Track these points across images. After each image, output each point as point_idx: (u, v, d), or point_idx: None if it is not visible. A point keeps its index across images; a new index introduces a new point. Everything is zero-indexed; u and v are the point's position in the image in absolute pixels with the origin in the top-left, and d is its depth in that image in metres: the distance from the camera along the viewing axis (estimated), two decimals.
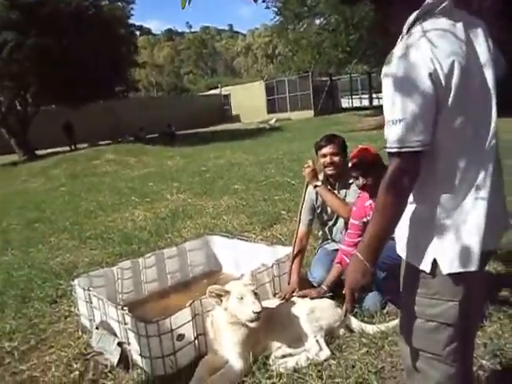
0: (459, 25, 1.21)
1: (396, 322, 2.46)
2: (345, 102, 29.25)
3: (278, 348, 2.32)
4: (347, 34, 14.38)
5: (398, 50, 1.20)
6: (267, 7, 15.28)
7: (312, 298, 2.54)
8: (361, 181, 2.48)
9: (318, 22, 16.73)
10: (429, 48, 1.14)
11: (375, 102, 27.77)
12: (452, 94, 1.14)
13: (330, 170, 2.75)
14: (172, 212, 6.10)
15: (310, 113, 25.48)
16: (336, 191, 2.80)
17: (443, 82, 1.13)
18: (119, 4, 20.52)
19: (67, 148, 19.41)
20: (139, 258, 3.32)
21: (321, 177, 2.79)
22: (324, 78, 26.82)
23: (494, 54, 1.25)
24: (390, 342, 2.32)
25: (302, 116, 24.83)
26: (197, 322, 2.33)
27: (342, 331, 2.46)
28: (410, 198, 1.29)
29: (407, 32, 1.25)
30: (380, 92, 27.79)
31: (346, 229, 2.86)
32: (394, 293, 2.60)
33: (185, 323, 2.27)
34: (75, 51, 16.27)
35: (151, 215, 6.11)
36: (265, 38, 58.14)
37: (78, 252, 4.74)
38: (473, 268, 1.20)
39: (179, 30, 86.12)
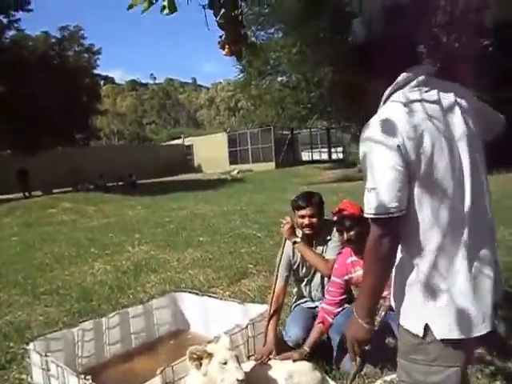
0: (433, 97, 1.27)
1: None
2: (305, 155, 30.08)
3: None
4: (308, 91, 15.10)
5: (372, 121, 1.26)
6: (239, 63, 15.85)
7: (294, 361, 2.42)
8: (345, 236, 2.48)
9: (280, 79, 17.58)
10: (399, 121, 1.20)
11: (334, 156, 28.81)
12: (423, 164, 1.19)
13: (307, 231, 2.74)
14: (134, 265, 5.84)
15: (272, 165, 25.98)
16: (313, 247, 2.77)
17: (412, 153, 1.18)
18: (85, 55, 20.73)
19: (21, 195, 18.60)
20: (102, 317, 3.11)
21: (299, 233, 2.77)
22: (285, 132, 27.67)
23: (488, 116, 1.35)
24: None
25: (264, 168, 25.27)
26: None
27: None
28: (401, 262, 1.29)
29: (383, 103, 1.32)
30: (338, 146, 29.10)
31: (323, 286, 2.82)
32: (373, 353, 2.55)
33: None
34: (37, 98, 16.09)
35: (112, 268, 5.82)
36: (228, 92, 59.99)
37: (31, 309, 4.39)
38: (472, 334, 1.19)
39: (143, 81, 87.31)
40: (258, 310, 2.93)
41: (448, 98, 1.29)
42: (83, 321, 3.08)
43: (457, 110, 1.28)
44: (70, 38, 21.79)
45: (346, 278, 2.54)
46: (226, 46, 1.69)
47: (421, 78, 1.28)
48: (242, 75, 17.63)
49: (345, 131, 24.30)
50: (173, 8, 1.55)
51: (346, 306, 2.62)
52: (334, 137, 29.13)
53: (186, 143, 32.97)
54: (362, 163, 1.25)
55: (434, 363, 1.22)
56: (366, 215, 1.24)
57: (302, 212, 2.71)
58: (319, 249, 2.77)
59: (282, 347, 2.65)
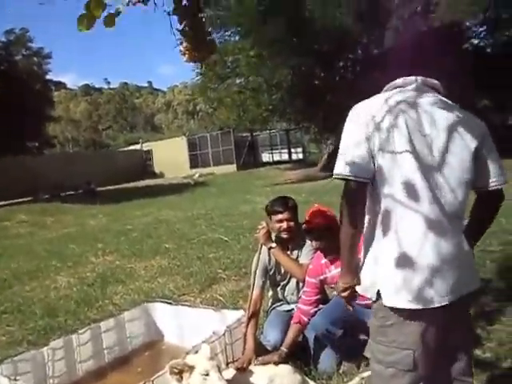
0: (420, 101, 1.40)
1: (354, 382, 2.43)
2: (265, 157, 30.26)
3: None
4: (269, 93, 15.20)
5: (355, 113, 1.44)
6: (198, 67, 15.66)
7: (276, 364, 2.44)
8: (314, 244, 2.54)
9: (238, 81, 17.57)
10: (374, 107, 1.40)
11: (294, 156, 29.18)
12: (383, 152, 1.35)
13: (285, 235, 2.76)
14: (100, 277, 5.66)
15: (233, 167, 25.97)
16: (289, 252, 2.80)
17: (376, 145, 1.35)
18: (35, 59, 19.90)
19: None
20: (71, 334, 2.99)
21: (273, 237, 2.78)
22: (245, 134, 27.72)
23: (483, 163, 1.43)
24: None
25: (225, 170, 25.21)
26: None
27: None
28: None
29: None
30: (298, 147, 29.53)
31: (298, 290, 2.85)
32: (350, 350, 2.61)
33: None
34: None
35: (76, 281, 5.61)
36: (185, 95, 59.32)
37: None
38: (421, 306, 1.30)
39: (97, 86, 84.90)
40: (233, 316, 2.91)
41: (435, 111, 1.39)
42: (52, 339, 2.96)
43: (441, 124, 1.38)
44: (17, 41, 20.87)
45: (321, 277, 2.59)
46: (187, 53, 1.67)
47: (414, 85, 1.44)
48: (199, 78, 17.52)
49: (304, 132, 24.67)
50: (111, 23, 1.49)
51: (321, 306, 2.66)
52: (294, 138, 29.52)
53: (145, 148, 32.33)
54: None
55: (391, 345, 1.37)
56: (334, 177, 1.44)
57: (280, 216, 2.73)
58: (294, 253, 2.80)
59: (261, 352, 2.65)
